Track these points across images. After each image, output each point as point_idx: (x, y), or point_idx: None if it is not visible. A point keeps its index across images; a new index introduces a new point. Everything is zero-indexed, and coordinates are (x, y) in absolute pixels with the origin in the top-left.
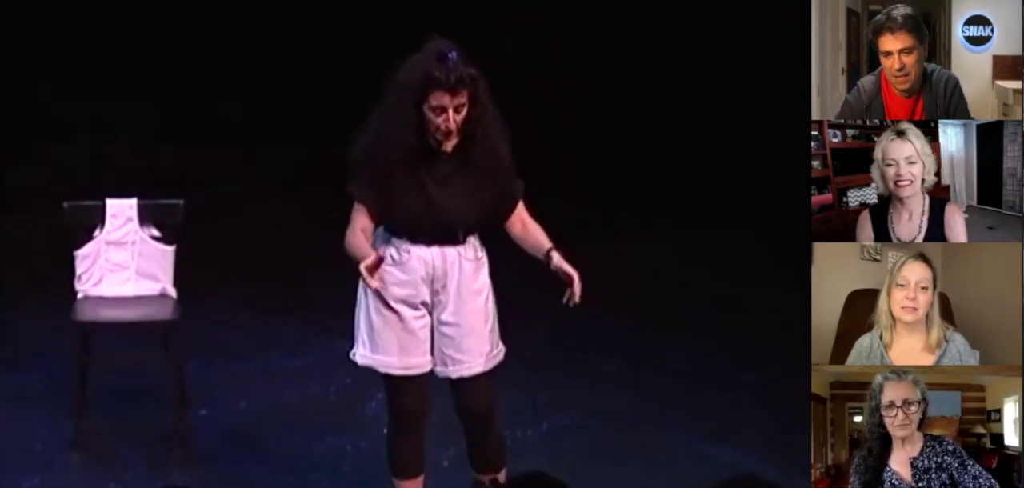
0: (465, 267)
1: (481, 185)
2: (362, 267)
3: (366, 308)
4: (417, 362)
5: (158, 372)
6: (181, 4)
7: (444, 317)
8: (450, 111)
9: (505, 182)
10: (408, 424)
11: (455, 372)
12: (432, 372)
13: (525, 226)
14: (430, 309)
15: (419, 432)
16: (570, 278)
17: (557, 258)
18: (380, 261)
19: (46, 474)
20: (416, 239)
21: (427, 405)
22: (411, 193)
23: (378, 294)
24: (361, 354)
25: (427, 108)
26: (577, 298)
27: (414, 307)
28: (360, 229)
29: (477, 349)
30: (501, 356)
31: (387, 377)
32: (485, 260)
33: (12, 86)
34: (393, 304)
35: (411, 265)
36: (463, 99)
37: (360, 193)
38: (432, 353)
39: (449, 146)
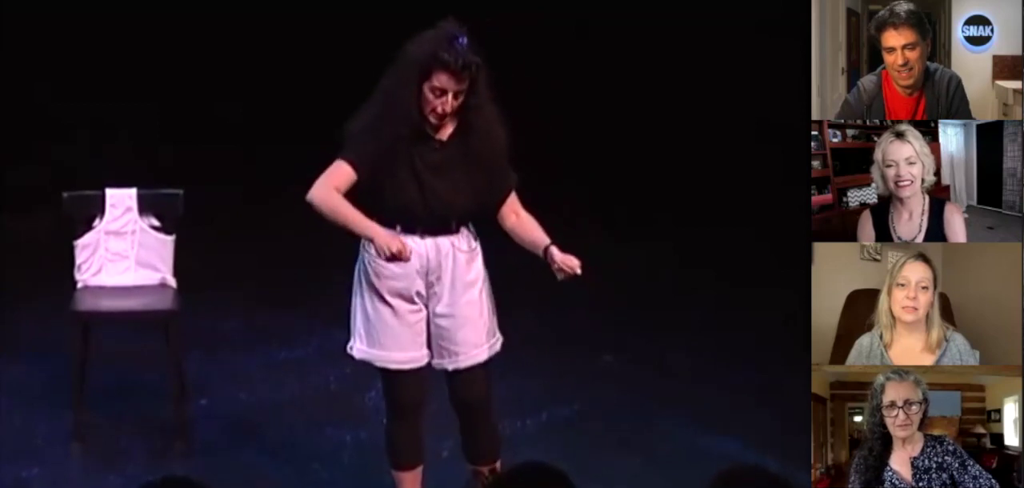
0: (459, 258)
1: (475, 173)
2: (393, 245)
3: (361, 301)
4: (413, 355)
5: (158, 363)
6: (181, 4)
7: (439, 309)
8: (450, 95)
9: (498, 171)
10: (406, 416)
11: (452, 364)
12: (429, 364)
13: (519, 218)
14: (425, 301)
15: (417, 423)
16: (573, 271)
17: (557, 253)
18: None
19: (46, 465)
20: (410, 228)
21: (425, 397)
22: (405, 180)
23: (373, 287)
24: (358, 348)
25: (428, 87)
26: (575, 271)
27: (409, 300)
28: (335, 187)
29: (473, 340)
30: (498, 346)
31: (384, 370)
32: (479, 250)
33: (12, 86)
34: (388, 297)
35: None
36: (464, 86)
37: (349, 151)
38: (429, 345)
39: (443, 133)
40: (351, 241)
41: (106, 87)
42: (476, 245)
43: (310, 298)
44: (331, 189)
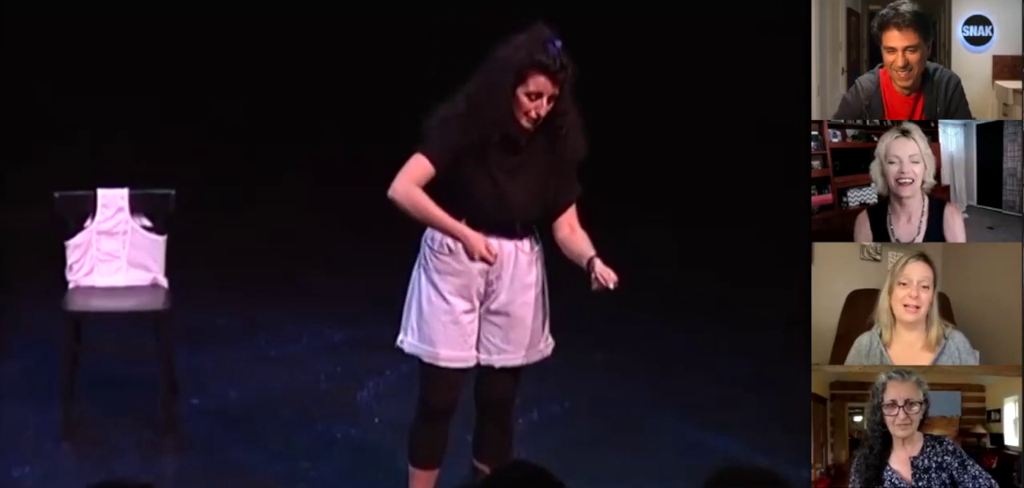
0: (520, 259)
1: (548, 179)
2: (482, 247)
3: (418, 296)
4: (461, 356)
5: (149, 361)
6: (181, 4)
7: (494, 306)
8: (544, 98)
9: (567, 180)
10: (437, 416)
11: (499, 361)
12: (472, 368)
13: (573, 230)
14: (482, 300)
15: (445, 426)
16: (607, 285)
17: (598, 265)
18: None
19: (37, 463)
20: (475, 225)
21: (458, 401)
22: (480, 179)
23: (432, 283)
24: (408, 342)
25: (523, 91)
26: (610, 284)
27: (466, 299)
28: (416, 182)
29: (522, 341)
30: (548, 352)
31: (426, 367)
32: (540, 252)
33: (12, 86)
34: (446, 294)
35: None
36: (557, 90)
37: (429, 146)
38: (478, 345)
39: (529, 138)
40: (340, 238)
41: (106, 87)
42: (538, 247)
43: (300, 295)
44: (413, 185)
